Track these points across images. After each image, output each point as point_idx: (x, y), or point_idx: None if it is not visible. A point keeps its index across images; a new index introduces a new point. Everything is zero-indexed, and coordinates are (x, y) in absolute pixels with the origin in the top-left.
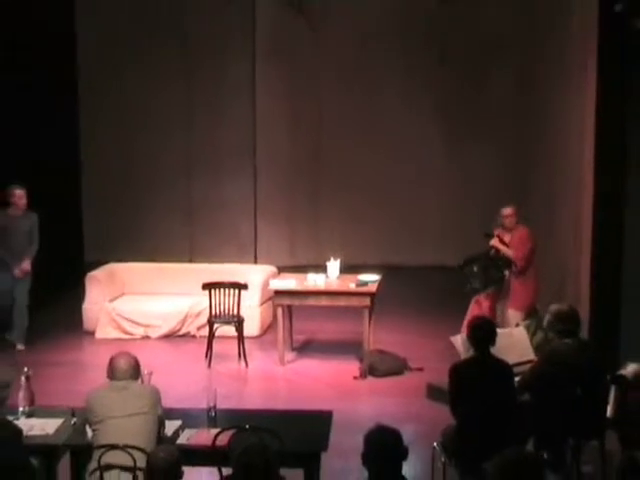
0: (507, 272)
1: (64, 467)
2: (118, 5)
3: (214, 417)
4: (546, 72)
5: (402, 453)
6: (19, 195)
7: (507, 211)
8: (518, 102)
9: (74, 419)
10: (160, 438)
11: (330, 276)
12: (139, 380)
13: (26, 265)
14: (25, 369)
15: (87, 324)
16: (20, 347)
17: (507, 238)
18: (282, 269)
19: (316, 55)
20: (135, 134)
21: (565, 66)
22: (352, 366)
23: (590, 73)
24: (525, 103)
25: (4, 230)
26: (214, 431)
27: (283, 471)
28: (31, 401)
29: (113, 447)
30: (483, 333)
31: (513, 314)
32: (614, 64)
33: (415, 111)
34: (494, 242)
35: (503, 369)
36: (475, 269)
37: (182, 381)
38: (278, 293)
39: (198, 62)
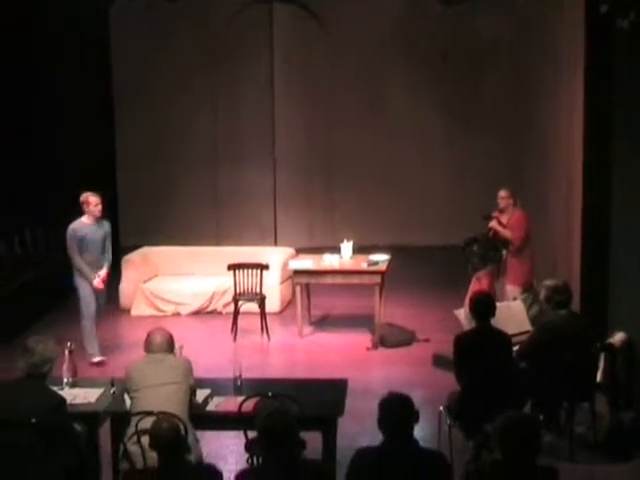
0: (504, 252)
1: (105, 432)
2: (152, 13)
3: (240, 386)
4: (538, 69)
5: (414, 417)
6: (95, 202)
7: (502, 193)
8: (514, 95)
9: (113, 388)
10: (192, 405)
11: (344, 256)
12: (174, 353)
13: (105, 274)
14: (68, 344)
15: (123, 302)
16: (98, 359)
17: (504, 220)
18: (300, 251)
19: (329, 54)
20: (165, 128)
21: (556, 63)
22: (365, 338)
23: (579, 70)
24: (520, 96)
25: (81, 240)
26: (240, 398)
27: (303, 434)
28: (74, 373)
29: (149, 414)
30: (484, 306)
31: (511, 289)
32: (600, 61)
33: (420, 105)
34: (493, 224)
35: (502, 339)
36: (475, 249)
37: (210, 353)
38: (297, 272)
39: (221, 61)
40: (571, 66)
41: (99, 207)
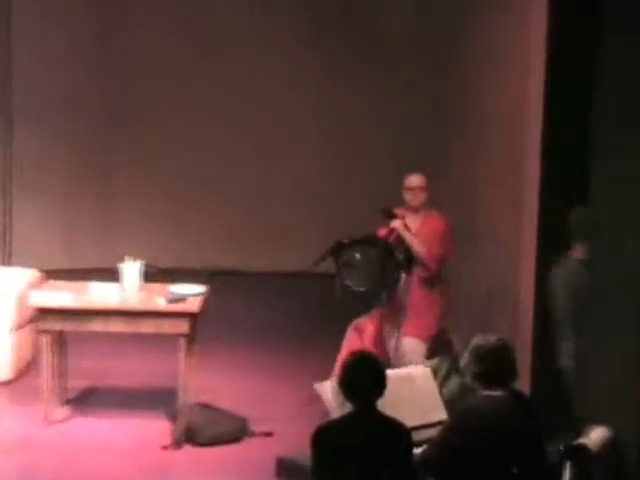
0: (403, 275)
1: None
2: None
3: None
4: None
5: None
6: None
7: (414, 180)
8: (428, 31)
9: None
10: None
11: (127, 286)
12: None
13: None
14: None
15: None
16: None
17: (413, 224)
18: (52, 274)
19: None
20: None
21: None
22: (160, 428)
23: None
24: (437, 33)
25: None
26: None
27: None
28: None
29: None
30: (364, 378)
31: (413, 345)
32: None
33: (277, 49)
34: (397, 224)
35: (396, 435)
36: (358, 257)
37: None
38: (44, 312)
39: None
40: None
41: None
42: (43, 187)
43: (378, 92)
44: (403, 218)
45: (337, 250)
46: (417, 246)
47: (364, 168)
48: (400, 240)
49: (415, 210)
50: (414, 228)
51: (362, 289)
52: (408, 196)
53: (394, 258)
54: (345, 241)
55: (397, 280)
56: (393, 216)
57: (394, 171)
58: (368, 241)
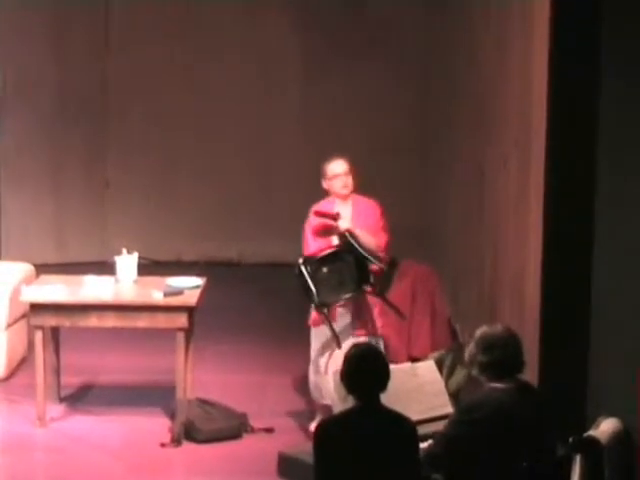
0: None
1: None
2: None
3: None
4: None
5: None
6: None
7: (340, 167)
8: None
9: None
10: None
11: (121, 279)
12: None
13: None
14: None
15: None
16: None
17: (344, 215)
18: (44, 269)
19: None
20: None
21: None
22: (158, 426)
23: None
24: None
25: None
26: None
27: None
28: None
29: None
30: (367, 370)
31: (380, 344)
32: None
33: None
34: (348, 226)
35: (401, 429)
36: (325, 270)
37: None
38: (36, 308)
39: None
40: None
41: None
42: (25, 182)
43: (367, 74)
44: (338, 216)
45: (307, 268)
46: (370, 240)
47: (366, 160)
48: (355, 239)
49: (345, 198)
50: (347, 219)
51: (347, 296)
52: (337, 185)
53: (362, 265)
54: (303, 262)
55: (369, 278)
56: (334, 217)
57: (390, 157)
58: (333, 254)
